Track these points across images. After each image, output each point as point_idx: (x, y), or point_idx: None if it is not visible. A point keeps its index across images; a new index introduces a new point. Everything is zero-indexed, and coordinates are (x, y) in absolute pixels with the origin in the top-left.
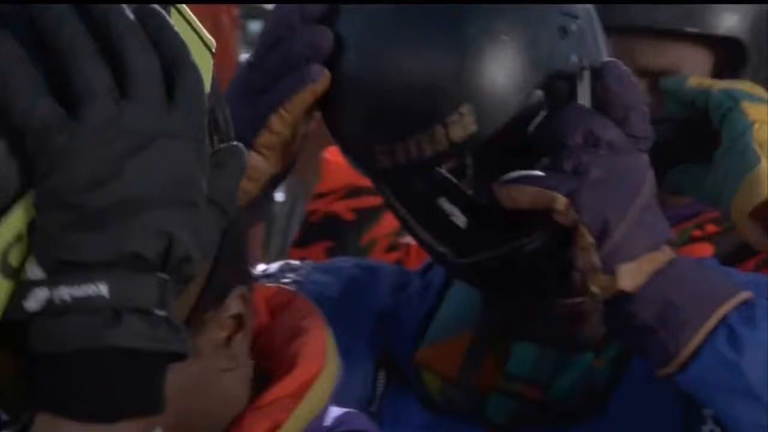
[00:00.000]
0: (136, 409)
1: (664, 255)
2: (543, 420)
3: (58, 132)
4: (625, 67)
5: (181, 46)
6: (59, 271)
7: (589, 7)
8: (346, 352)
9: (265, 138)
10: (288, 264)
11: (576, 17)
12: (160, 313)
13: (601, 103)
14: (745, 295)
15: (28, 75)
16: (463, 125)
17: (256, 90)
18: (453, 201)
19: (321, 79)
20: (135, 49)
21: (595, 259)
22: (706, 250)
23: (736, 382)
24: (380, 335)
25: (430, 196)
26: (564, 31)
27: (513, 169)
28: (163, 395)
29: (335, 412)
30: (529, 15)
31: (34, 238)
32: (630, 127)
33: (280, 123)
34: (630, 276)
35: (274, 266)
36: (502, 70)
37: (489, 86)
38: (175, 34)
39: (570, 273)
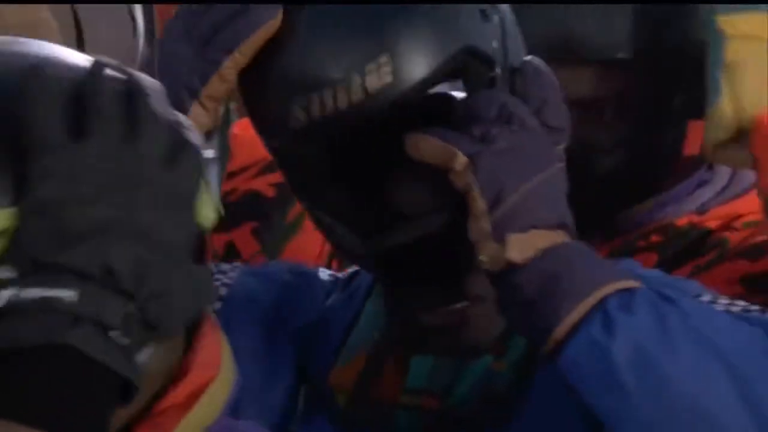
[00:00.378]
0: (81, 424)
1: (558, 236)
2: (445, 429)
3: (63, 148)
4: (545, 66)
5: (186, 129)
6: (30, 273)
7: (511, 18)
8: (272, 363)
9: (213, 86)
10: (216, 266)
11: (498, 11)
12: (122, 339)
13: (519, 95)
14: (631, 283)
15: (53, 101)
16: (379, 75)
17: (204, 32)
18: (360, 173)
19: (278, 15)
20: (155, 110)
21: (486, 225)
22: (650, 259)
23: (605, 369)
24: (305, 349)
25: (337, 165)
26: (486, 15)
27: None
28: (108, 428)
29: (231, 421)
30: None
31: (12, 241)
32: (545, 117)
33: (233, 66)
34: (519, 247)
35: None
36: (421, 29)
37: (408, 41)
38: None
39: (451, 279)
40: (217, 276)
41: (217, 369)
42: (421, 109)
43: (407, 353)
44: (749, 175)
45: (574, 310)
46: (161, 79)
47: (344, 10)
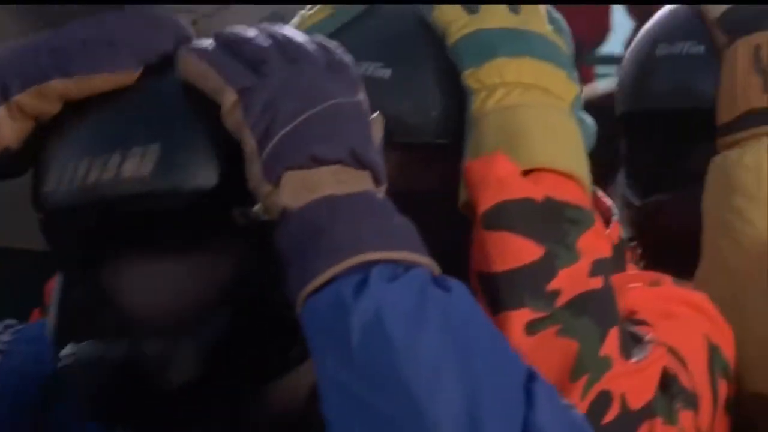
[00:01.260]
0: None
1: (353, 182)
2: None
3: None
4: None
5: None
6: None
7: None
8: None
9: (27, 97)
10: None
11: None
12: None
13: None
14: (415, 258)
15: None
16: (139, 163)
17: (61, 43)
18: (82, 266)
19: (135, 74)
20: None
21: (258, 167)
22: None
23: (338, 328)
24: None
25: (71, 252)
26: None
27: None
28: None
29: None
30: None
31: None
32: None
33: (59, 90)
34: (294, 188)
35: None
36: (207, 139)
37: (187, 144)
38: None
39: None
40: None
41: None
42: (171, 219)
43: None
44: None
45: (327, 270)
46: None
47: (162, 92)
